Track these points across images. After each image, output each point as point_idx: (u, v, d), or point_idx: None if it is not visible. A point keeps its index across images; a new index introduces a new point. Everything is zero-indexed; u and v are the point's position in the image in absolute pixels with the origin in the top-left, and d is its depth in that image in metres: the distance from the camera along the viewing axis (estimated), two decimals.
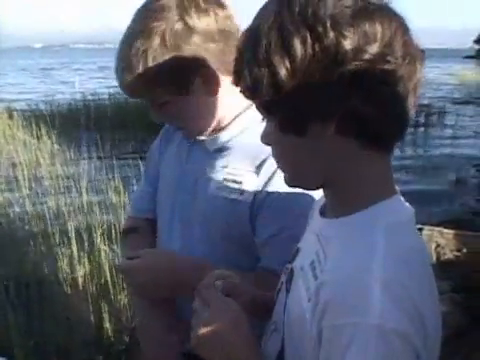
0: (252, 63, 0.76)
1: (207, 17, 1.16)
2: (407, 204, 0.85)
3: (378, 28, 0.73)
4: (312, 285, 0.79)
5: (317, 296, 0.75)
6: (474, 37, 28.68)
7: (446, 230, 4.06)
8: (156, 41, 1.13)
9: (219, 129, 1.28)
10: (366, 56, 0.73)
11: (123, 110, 11.75)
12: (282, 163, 0.86)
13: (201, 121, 1.26)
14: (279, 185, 1.11)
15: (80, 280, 3.55)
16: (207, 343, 0.86)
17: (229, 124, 1.27)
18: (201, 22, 1.15)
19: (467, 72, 19.52)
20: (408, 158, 7.46)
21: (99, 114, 11.80)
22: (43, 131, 8.77)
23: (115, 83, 1.20)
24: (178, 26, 1.14)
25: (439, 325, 0.78)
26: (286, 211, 1.16)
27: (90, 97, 13.22)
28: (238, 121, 1.27)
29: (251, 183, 1.19)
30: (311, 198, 1.03)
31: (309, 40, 0.72)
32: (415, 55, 0.77)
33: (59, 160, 7.40)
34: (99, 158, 7.69)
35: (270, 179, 1.17)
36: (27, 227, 4.70)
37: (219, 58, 1.17)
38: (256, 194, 1.18)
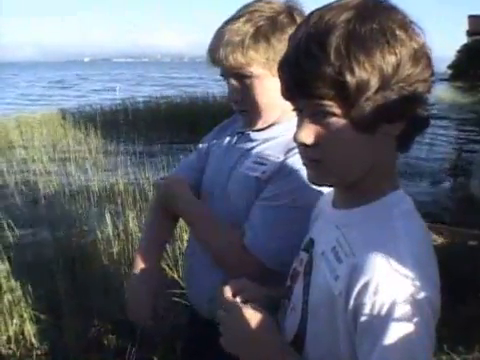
0: (355, 63, 0.68)
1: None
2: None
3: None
4: (338, 266, 0.75)
5: (350, 277, 0.70)
6: (448, 63, 28.71)
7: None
8: (262, 23, 1.12)
9: (266, 127, 1.23)
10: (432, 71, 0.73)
11: (155, 113, 11.78)
12: (334, 159, 0.74)
13: (264, 112, 1.21)
14: (292, 165, 1.10)
15: (115, 254, 3.54)
16: (238, 345, 0.80)
17: (273, 124, 1.23)
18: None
19: (442, 92, 19.40)
20: None
21: (135, 116, 11.84)
22: (90, 129, 8.81)
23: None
24: (282, 18, 1.14)
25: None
26: (285, 185, 1.13)
27: (128, 102, 13.27)
28: (281, 125, 1.22)
29: (274, 165, 1.16)
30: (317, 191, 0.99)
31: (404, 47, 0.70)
32: None
33: (101, 153, 7.44)
34: (134, 152, 7.69)
35: (286, 160, 1.14)
36: (73, 209, 4.71)
37: None
38: (273, 172, 1.16)
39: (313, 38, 0.70)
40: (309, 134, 0.74)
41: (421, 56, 0.72)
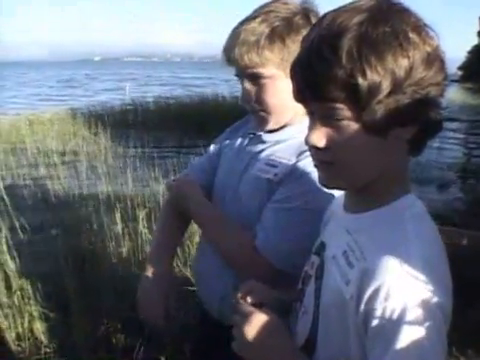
0: (367, 66, 0.67)
1: None
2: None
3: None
4: (349, 271, 0.74)
5: (361, 281, 0.70)
6: (458, 64, 28.55)
7: None
8: (278, 23, 1.13)
9: (278, 128, 1.23)
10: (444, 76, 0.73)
11: (165, 113, 11.80)
12: (345, 162, 0.74)
13: (276, 113, 1.20)
14: (303, 168, 1.10)
15: (124, 254, 3.55)
16: (250, 349, 0.80)
17: (285, 126, 1.22)
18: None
19: (452, 94, 19.28)
20: None
21: (144, 116, 11.87)
22: (99, 129, 8.84)
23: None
24: (298, 19, 1.15)
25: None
26: (297, 188, 1.13)
27: (138, 101, 13.31)
28: (292, 127, 1.21)
29: (285, 168, 1.16)
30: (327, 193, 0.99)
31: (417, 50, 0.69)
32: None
33: (111, 153, 7.46)
34: (143, 152, 7.71)
35: (298, 163, 1.13)
36: (83, 208, 4.72)
37: None
38: (285, 174, 1.15)
39: (325, 40, 0.70)
40: (320, 137, 0.74)
41: (434, 59, 0.71)
